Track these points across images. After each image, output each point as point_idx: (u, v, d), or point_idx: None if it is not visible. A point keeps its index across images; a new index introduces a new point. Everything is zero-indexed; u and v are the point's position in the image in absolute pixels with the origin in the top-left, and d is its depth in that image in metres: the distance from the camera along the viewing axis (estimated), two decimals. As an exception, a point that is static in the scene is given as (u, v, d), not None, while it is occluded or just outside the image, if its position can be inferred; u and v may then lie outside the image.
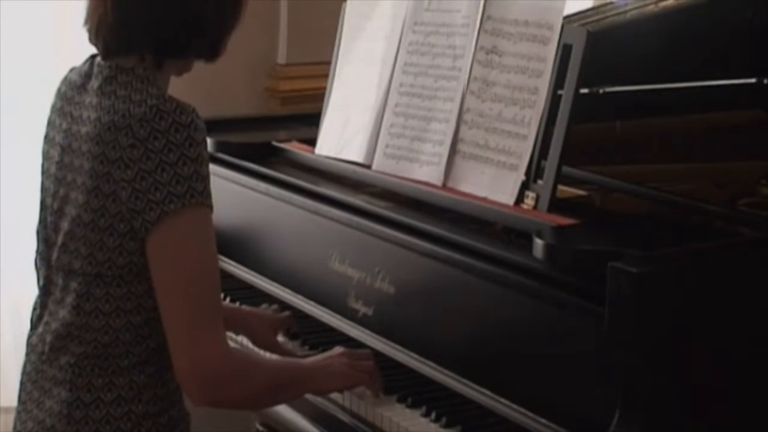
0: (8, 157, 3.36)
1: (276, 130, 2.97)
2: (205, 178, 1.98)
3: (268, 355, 2.45)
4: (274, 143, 2.81)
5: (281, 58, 3.73)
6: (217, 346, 1.98)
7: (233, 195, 2.84)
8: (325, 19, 3.02)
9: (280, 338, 2.52)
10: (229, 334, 2.44)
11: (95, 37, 2.05)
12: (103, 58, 2.05)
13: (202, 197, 1.96)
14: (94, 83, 2.03)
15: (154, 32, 2.02)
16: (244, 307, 2.63)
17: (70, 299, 2.03)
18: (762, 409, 1.99)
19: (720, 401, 1.95)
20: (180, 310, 1.97)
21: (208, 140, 2.82)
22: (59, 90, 2.11)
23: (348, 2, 2.71)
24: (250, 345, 2.50)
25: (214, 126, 2.94)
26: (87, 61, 2.09)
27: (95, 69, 2.05)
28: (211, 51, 2.09)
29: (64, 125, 2.05)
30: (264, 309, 2.59)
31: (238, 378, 2.02)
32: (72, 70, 2.12)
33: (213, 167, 2.84)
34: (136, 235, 1.96)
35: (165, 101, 1.97)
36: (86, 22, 2.07)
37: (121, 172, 1.94)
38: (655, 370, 1.89)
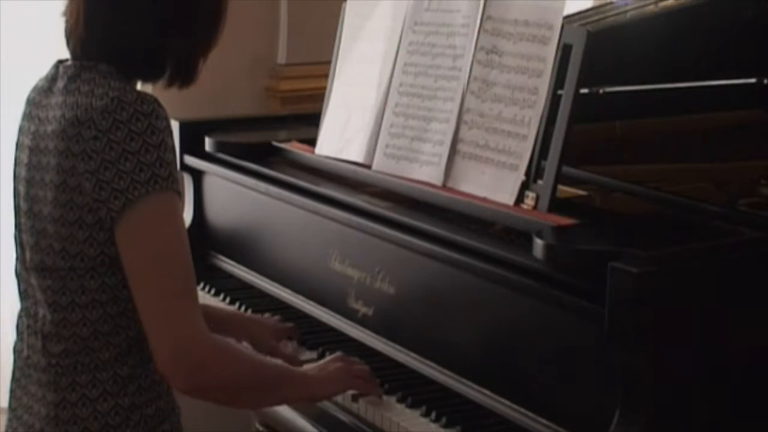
0: (9, 157, 3.35)
1: (276, 130, 2.97)
2: (169, 164, 1.98)
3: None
4: (274, 143, 2.81)
5: (281, 58, 3.73)
6: (193, 327, 1.98)
7: (233, 195, 2.84)
8: (325, 19, 3.03)
9: (284, 340, 2.52)
10: (231, 340, 2.45)
11: (66, 38, 2.10)
12: (72, 59, 2.08)
13: (167, 182, 1.97)
14: (60, 84, 2.06)
15: (118, 53, 2.04)
16: (245, 313, 2.63)
17: (45, 297, 2.04)
18: (762, 408, 1.99)
19: (720, 401, 1.95)
20: (153, 295, 1.97)
21: (209, 140, 2.85)
22: (28, 97, 2.14)
23: (348, 2, 2.71)
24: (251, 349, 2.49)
25: (214, 126, 2.95)
26: (53, 66, 2.12)
27: (60, 71, 2.08)
28: (182, 77, 2.10)
29: (32, 128, 2.08)
30: (266, 318, 2.58)
31: (219, 362, 2.01)
32: (40, 78, 2.14)
33: (213, 167, 2.87)
34: (104, 225, 1.97)
35: (126, 92, 1.98)
36: (62, 14, 2.10)
37: (85, 164, 1.96)
38: (655, 370, 1.89)
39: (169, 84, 2.11)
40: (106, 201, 1.95)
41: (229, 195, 2.87)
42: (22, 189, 2.09)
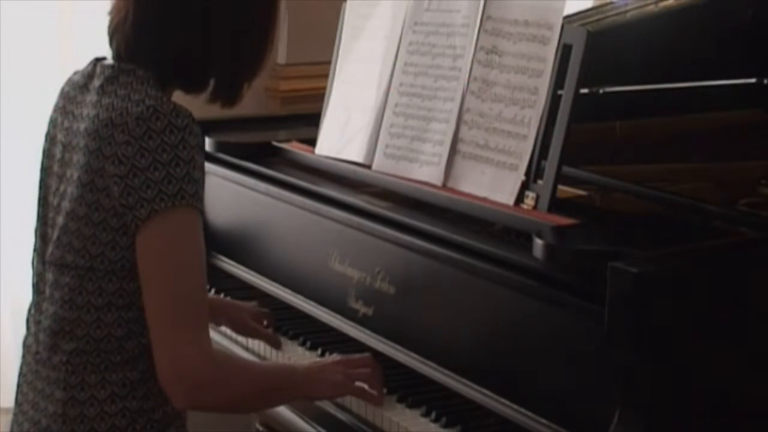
0: (8, 157, 3.36)
1: (276, 130, 2.97)
2: (196, 182, 1.98)
3: (264, 351, 2.47)
4: (274, 143, 2.81)
5: (281, 58, 3.73)
6: (199, 349, 1.98)
7: (233, 195, 2.84)
8: (325, 19, 3.03)
9: (284, 340, 2.53)
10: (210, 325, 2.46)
11: (110, 36, 2.09)
12: (113, 59, 2.08)
13: (193, 200, 1.97)
14: (96, 83, 2.06)
15: (162, 59, 2.05)
16: (224, 298, 2.64)
17: (61, 294, 2.04)
18: (762, 408, 1.99)
19: (720, 401, 1.95)
20: (163, 309, 1.98)
21: (209, 140, 2.85)
22: (62, 90, 2.14)
23: (348, 2, 2.71)
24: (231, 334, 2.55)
25: (214, 126, 2.94)
26: (90, 63, 2.12)
27: (98, 69, 2.08)
28: (225, 97, 2.13)
29: (66, 123, 2.08)
30: (244, 303, 2.62)
31: (220, 383, 2.01)
32: (75, 72, 2.15)
33: (213, 167, 2.87)
34: (128, 230, 1.97)
35: (162, 103, 1.99)
36: (109, 13, 2.10)
37: (115, 167, 1.96)
38: (655, 370, 1.89)
39: (212, 101, 2.12)
40: (133, 208, 1.96)
41: (229, 195, 2.86)
42: (53, 184, 2.08)
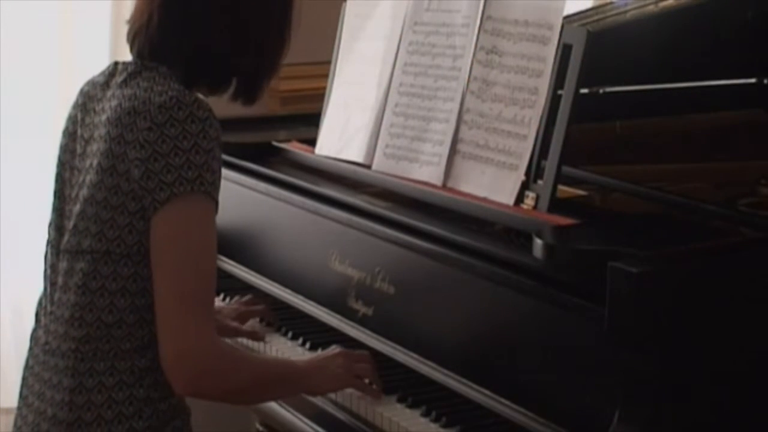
0: (9, 157, 3.36)
1: (276, 130, 2.97)
2: (215, 173, 2.01)
3: (264, 349, 2.47)
4: (274, 143, 2.81)
5: (281, 58, 3.72)
6: (205, 337, 2.00)
7: (233, 195, 2.84)
8: (325, 19, 3.02)
9: (285, 339, 2.54)
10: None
11: (131, 39, 2.13)
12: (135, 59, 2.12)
13: (211, 188, 2.00)
14: (118, 79, 2.09)
15: (188, 60, 2.08)
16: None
17: (75, 280, 2.05)
18: (762, 408, 1.99)
19: (720, 401, 1.95)
20: (172, 294, 1.99)
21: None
22: (82, 89, 2.17)
23: (348, 2, 2.72)
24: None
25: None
26: (111, 64, 2.15)
27: (119, 67, 2.12)
28: (247, 94, 2.16)
29: (87, 120, 2.11)
30: (237, 300, 2.64)
31: (222, 371, 2.04)
32: (96, 75, 2.17)
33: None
34: (146, 214, 1.99)
35: (185, 95, 2.02)
36: (128, 21, 2.13)
37: (136, 152, 1.99)
38: (655, 370, 1.89)
39: (233, 99, 2.16)
40: (152, 191, 1.98)
41: (229, 195, 2.85)
42: (72, 177, 2.10)
